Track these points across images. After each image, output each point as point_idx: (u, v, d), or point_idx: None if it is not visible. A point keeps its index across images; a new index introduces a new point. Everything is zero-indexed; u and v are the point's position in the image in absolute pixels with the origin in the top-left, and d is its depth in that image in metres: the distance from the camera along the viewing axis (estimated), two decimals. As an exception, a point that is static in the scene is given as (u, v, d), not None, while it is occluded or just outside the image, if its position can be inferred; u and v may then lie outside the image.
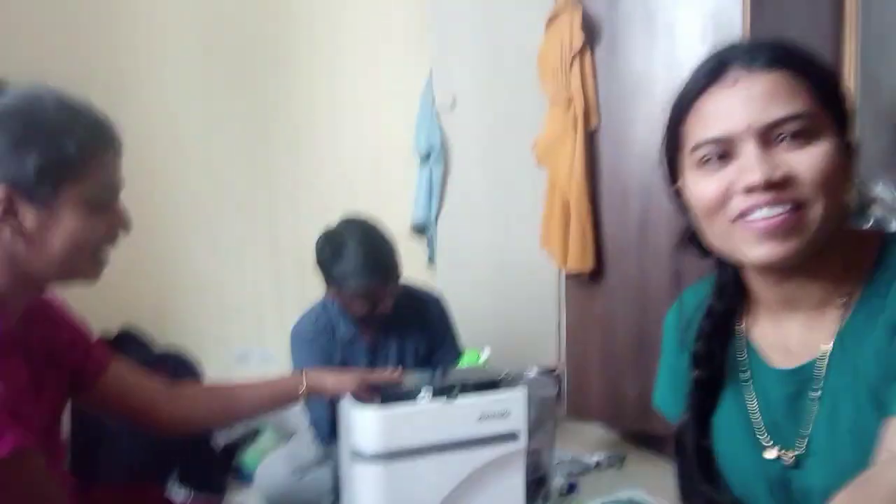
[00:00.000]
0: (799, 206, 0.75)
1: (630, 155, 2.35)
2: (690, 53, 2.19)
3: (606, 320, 2.48)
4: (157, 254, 2.78)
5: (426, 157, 2.91)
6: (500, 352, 2.62)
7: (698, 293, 0.97)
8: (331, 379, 1.56)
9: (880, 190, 1.77)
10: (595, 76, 2.42)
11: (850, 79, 2.15)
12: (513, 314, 2.95)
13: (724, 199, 0.79)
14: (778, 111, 0.76)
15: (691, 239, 0.89)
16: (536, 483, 1.65)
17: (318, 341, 2.05)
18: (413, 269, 2.99)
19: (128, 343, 2.66)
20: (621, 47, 2.36)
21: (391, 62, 2.98)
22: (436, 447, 1.51)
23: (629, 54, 2.34)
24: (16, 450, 0.96)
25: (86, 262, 1.07)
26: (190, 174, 2.83)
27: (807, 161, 0.75)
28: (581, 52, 2.38)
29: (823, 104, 0.77)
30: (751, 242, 0.78)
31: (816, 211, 0.75)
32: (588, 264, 2.42)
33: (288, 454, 2.06)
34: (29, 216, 1.01)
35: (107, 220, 1.07)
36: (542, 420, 1.67)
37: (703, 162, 0.81)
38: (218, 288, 2.91)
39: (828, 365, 0.81)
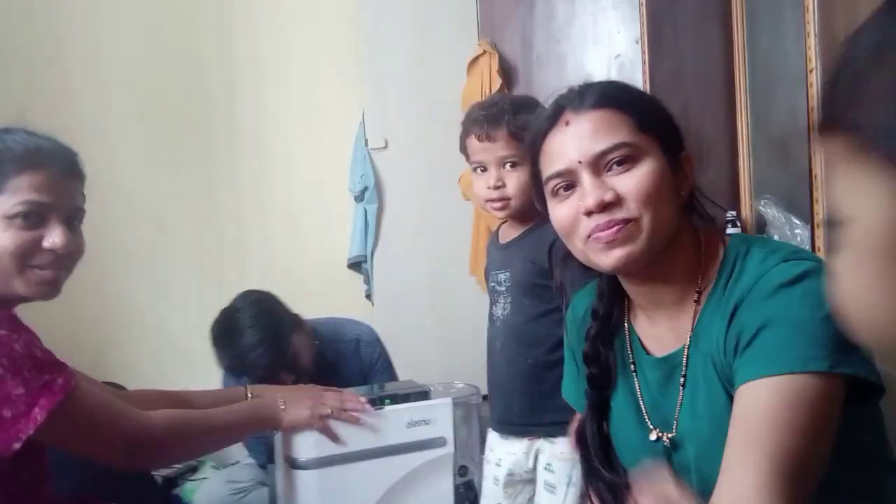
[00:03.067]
0: (629, 221, 0.90)
1: (548, 186, 2.52)
2: (598, 91, 2.40)
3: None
4: (99, 295, 2.83)
5: (361, 196, 3.05)
6: (437, 380, 2.72)
7: (585, 298, 1.12)
8: (277, 393, 1.65)
9: (764, 205, 1.97)
10: (514, 114, 2.61)
11: (742, 110, 2.38)
12: (452, 343, 3.06)
13: (574, 222, 0.94)
14: (602, 144, 0.91)
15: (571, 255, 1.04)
16: (465, 486, 1.74)
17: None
18: (351, 304, 3.11)
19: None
20: (535, 87, 2.57)
21: (327, 106, 3.16)
22: (367, 453, 1.60)
23: (543, 94, 2.54)
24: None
25: (12, 275, 1.13)
26: (133, 216, 2.91)
27: (631, 183, 0.90)
28: (499, 92, 2.57)
29: (644, 132, 0.93)
30: (599, 253, 0.93)
31: (645, 222, 0.90)
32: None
33: (227, 477, 2.12)
34: None
35: (31, 236, 1.14)
36: (468, 426, 1.77)
37: (555, 192, 0.96)
38: (163, 328, 2.96)
39: (687, 355, 0.94)
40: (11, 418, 1.04)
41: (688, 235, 0.96)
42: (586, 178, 0.91)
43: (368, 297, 3.15)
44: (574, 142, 0.92)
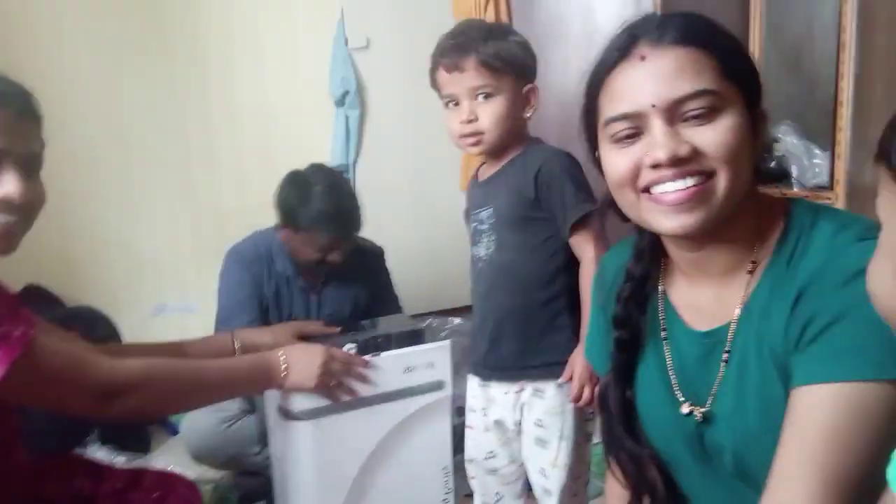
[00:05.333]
0: (704, 178, 0.78)
1: (546, 101, 2.36)
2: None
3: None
4: (60, 208, 2.64)
5: (341, 101, 2.84)
6: (424, 294, 2.66)
7: (619, 255, 1.01)
8: (266, 336, 1.58)
9: (783, 132, 1.85)
10: (511, 19, 2.41)
11: (756, 28, 2.20)
12: (434, 256, 2.96)
13: (633, 174, 0.82)
14: (683, 88, 0.78)
15: (612, 204, 0.92)
16: (464, 427, 1.70)
17: (253, 268, 2.02)
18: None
19: (35, 300, 2.55)
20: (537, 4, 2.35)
21: (303, 2, 2.87)
22: (364, 401, 1.53)
23: (544, 12, 2.34)
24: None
25: None
26: (92, 124, 2.68)
27: (711, 136, 0.78)
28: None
29: (729, 79, 0.79)
30: (660, 214, 0.81)
31: (721, 182, 0.78)
32: (507, 208, 2.45)
33: (213, 406, 2.04)
34: None
35: None
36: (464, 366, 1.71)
37: (615, 138, 0.83)
38: (130, 241, 2.81)
39: (736, 330, 0.85)
40: None
41: (750, 198, 0.84)
42: (658, 125, 0.79)
43: (349, 207, 3.01)
44: (650, 81, 0.79)
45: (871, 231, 0.77)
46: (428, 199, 2.97)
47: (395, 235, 2.87)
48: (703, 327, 0.89)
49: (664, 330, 0.94)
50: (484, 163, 1.56)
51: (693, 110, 0.78)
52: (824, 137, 1.79)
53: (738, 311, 0.85)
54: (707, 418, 0.88)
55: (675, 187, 0.79)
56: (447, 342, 1.64)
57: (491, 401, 1.53)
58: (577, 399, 1.39)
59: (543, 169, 1.39)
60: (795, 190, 1.80)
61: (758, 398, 0.82)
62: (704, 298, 0.90)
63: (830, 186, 1.74)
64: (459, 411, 1.71)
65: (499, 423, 1.53)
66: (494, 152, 1.47)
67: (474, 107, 1.39)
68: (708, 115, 0.78)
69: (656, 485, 0.94)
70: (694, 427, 0.89)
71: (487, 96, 1.38)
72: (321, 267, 1.98)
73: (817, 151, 1.78)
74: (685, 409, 0.89)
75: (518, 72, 1.40)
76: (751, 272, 0.85)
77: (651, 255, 0.95)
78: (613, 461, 0.98)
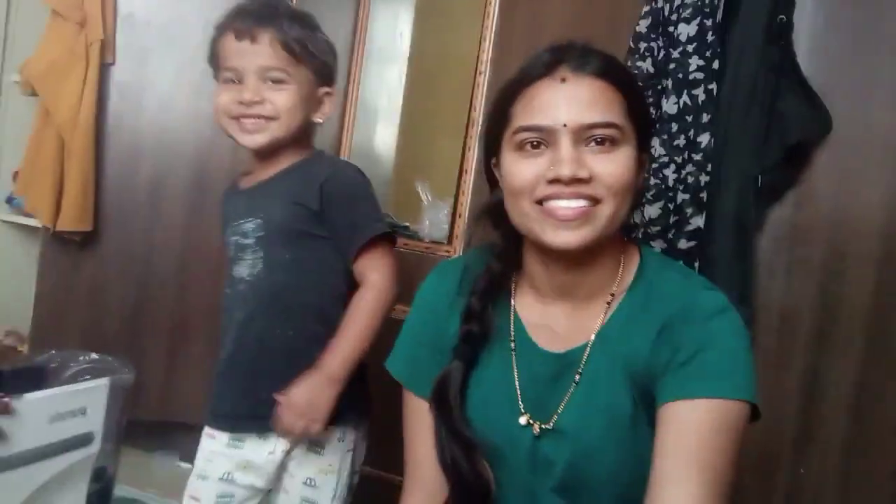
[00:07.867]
0: (592, 203, 0.87)
1: (146, 107, 2.07)
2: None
3: (95, 292, 2.09)
4: None
5: None
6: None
7: (458, 267, 1.02)
8: None
9: (420, 189, 2.00)
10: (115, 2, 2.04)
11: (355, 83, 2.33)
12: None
13: (533, 184, 0.86)
14: (595, 116, 0.86)
15: (490, 210, 0.95)
16: (99, 495, 1.29)
17: None
18: None
19: None
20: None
21: None
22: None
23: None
24: None
25: None
26: None
27: (608, 166, 0.86)
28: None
29: (630, 119, 0.90)
30: (550, 228, 0.87)
31: (606, 209, 0.87)
32: (87, 224, 2.01)
33: None
34: None
35: None
36: (113, 413, 1.31)
37: (522, 145, 0.87)
38: None
39: (589, 353, 0.92)
40: None
41: (619, 235, 0.94)
42: (566, 145, 0.85)
43: None
44: (567, 103, 0.85)
45: (709, 282, 0.95)
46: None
47: None
48: (558, 349, 0.94)
49: (511, 341, 0.96)
50: (246, 172, 1.31)
51: (598, 138, 0.86)
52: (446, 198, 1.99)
53: (592, 337, 0.93)
54: (546, 433, 0.92)
55: (567, 204, 0.85)
56: (104, 381, 1.25)
57: (245, 465, 1.22)
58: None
59: (332, 179, 1.21)
60: (426, 241, 1.97)
61: (605, 414, 0.90)
62: (558, 321, 0.95)
63: (449, 241, 1.96)
64: (99, 472, 1.30)
65: (247, 489, 1.23)
66: (276, 148, 1.23)
67: (262, 89, 1.19)
68: (607, 146, 0.87)
69: (489, 479, 0.93)
70: (529, 439, 0.92)
71: (278, 82, 1.19)
72: None
73: (444, 207, 1.97)
74: (523, 420, 0.93)
75: (317, 68, 1.24)
76: (608, 302, 0.94)
77: (510, 261, 0.97)
78: (447, 458, 0.94)
